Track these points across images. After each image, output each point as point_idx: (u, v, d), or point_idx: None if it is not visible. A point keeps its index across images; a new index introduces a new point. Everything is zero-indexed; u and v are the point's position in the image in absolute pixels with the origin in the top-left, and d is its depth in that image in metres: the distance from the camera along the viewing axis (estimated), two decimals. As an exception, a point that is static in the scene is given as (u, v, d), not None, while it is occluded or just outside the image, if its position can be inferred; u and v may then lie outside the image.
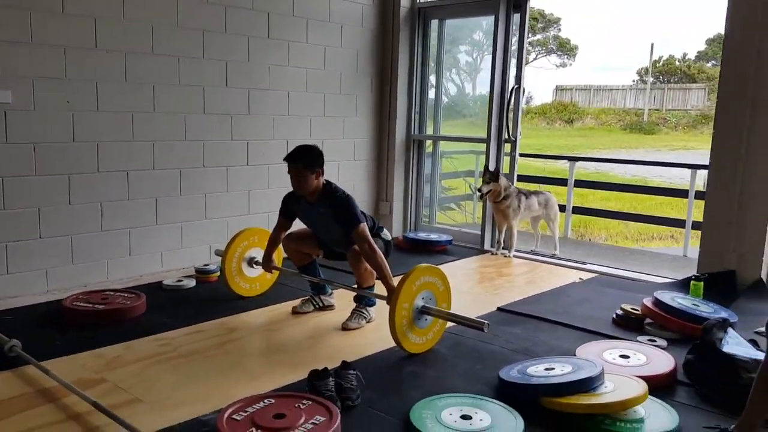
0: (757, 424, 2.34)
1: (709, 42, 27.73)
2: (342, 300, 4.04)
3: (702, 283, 4.09)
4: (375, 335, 3.57)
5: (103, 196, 4.38)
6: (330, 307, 4.04)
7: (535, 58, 29.75)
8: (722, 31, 4.40)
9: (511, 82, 5.61)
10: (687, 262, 5.84)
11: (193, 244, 4.90)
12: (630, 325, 3.76)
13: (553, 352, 3.35)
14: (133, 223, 4.55)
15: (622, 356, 3.16)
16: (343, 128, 5.90)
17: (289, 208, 3.92)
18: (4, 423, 2.51)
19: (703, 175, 6.14)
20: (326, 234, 3.86)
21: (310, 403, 2.54)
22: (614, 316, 3.89)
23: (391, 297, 3.25)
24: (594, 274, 5.04)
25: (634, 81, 29.42)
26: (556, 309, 4.10)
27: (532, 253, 5.75)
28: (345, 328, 3.68)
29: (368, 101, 6.12)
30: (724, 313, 3.61)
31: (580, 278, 4.93)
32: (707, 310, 3.69)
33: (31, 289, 4.11)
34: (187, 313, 3.84)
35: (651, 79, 27.31)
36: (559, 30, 29.63)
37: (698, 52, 28.72)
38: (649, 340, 3.52)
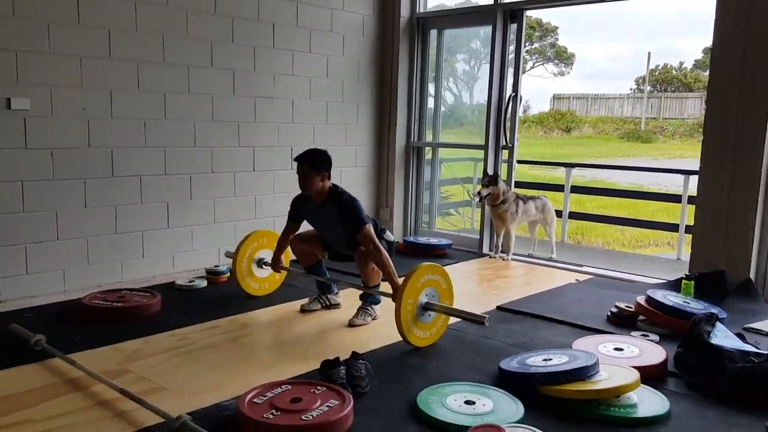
0: None
1: (706, 51, 27.95)
2: (348, 299, 4.21)
3: (693, 282, 4.26)
4: (380, 331, 3.74)
5: (118, 200, 4.55)
6: (336, 306, 4.21)
7: (533, 67, 30.00)
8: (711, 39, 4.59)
9: (509, 91, 5.79)
10: (680, 265, 6.00)
11: (202, 246, 5.07)
12: (624, 322, 3.93)
13: (550, 346, 3.52)
14: (146, 226, 4.72)
15: (617, 349, 3.33)
16: (345, 135, 6.08)
17: (297, 211, 4.09)
18: (38, 408, 2.68)
19: (696, 180, 6.31)
20: (331, 235, 4.03)
21: (324, 389, 2.71)
22: (609, 313, 4.06)
23: (397, 294, 3.43)
24: (589, 276, 5.22)
25: (631, 90, 29.65)
26: (553, 307, 4.27)
27: (529, 256, 5.92)
28: (351, 324, 3.85)
29: (369, 109, 6.31)
30: (713, 310, 3.78)
31: (576, 279, 5.10)
32: (697, 307, 3.86)
33: (49, 289, 4.27)
34: (200, 311, 4.01)
35: (648, 88, 27.55)
36: (557, 38, 29.88)
37: (695, 60, 28.95)
38: (641, 335, 3.69)
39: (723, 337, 3.27)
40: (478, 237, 6.11)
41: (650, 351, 3.32)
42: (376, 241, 3.73)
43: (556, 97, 29.14)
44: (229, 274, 4.77)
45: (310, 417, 2.48)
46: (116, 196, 4.54)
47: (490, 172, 5.71)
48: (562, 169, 8.40)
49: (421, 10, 6.30)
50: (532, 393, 2.83)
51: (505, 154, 5.92)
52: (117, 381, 2.87)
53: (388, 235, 4.07)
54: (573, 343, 3.46)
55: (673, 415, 2.73)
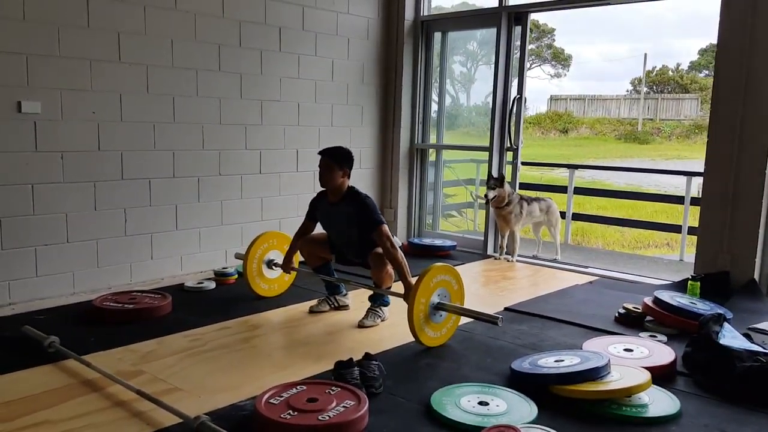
0: None
1: (702, 52, 28.06)
2: (357, 300, 4.24)
3: (699, 282, 4.30)
4: (390, 332, 3.77)
5: (127, 202, 4.58)
6: (345, 307, 4.24)
7: (530, 68, 30.00)
8: (714, 41, 4.63)
9: (513, 93, 5.83)
10: (683, 266, 6.05)
11: (210, 248, 5.09)
12: (631, 323, 3.97)
13: (559, 346, 3.55)
14: (155, 228, 4.75)
15: (626, 350, 3.37)
16: (349, 138, 6.11)
17: (313, 210, 4.15)
18: (55, 409, 2.70)
19: (697, 182, 6.36)
20: (341, 237, 4.06)
21: (339, 389, 2.74)
22: (616, 314, 4.10)
23: (410, 293, 3.46)
24: (595, 277, 5.25)
25: (628, 91, 29.72)
26: (561, 308, 4.31)
27: (534, 258, 5.95)
28: (361, 325, 3.88)
29: (373, 111, 6.34)
30: (719, 311, 3.82)
31: (590, 282, 5.15)
32: (704, 307, 3.90)
33: (59, 291, 4.29)
34: (211, 312, 4.04)
35: (645, 89, 27.63)
36: (553, 40, 29.95)
37: (691, 62, 29.05)
38: (650, 335, 3.73)
39: (731, 337, 3.31)
40: (482, 238, 6.15)
41: (659, 351, 3.36)
42: (393, 239, 3.78)
43: (554, 99, 29.20)
44: (237, 276, 4.80)
45: (327, 417, 2.50)
46: (125, 198, 4.57)
47: (495, 174, 5.75)
48: (559, 169, 8.44)
49: (425, 13, 6.34)
50: (545, 393, 2.86)
51: (509, 156, 5.95)
52: (132, 382, 2.89)
53: (396, 241, 4.10)
54: (583, 344, 3.50)
55: (684, 414, 2.77)
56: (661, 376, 3.08)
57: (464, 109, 7.36)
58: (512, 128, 5.85)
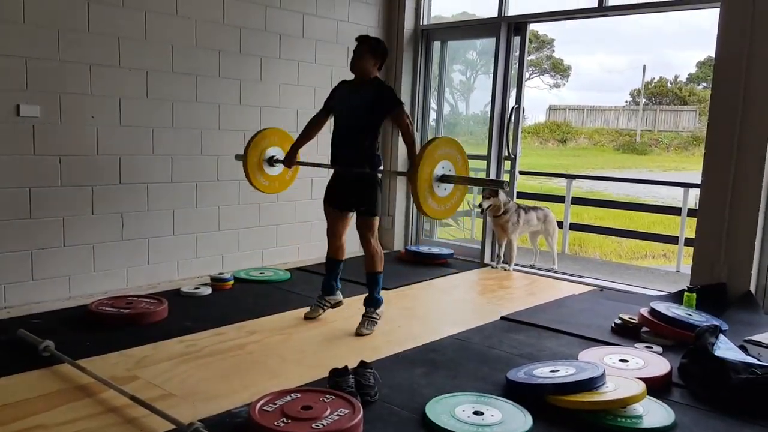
0: None
1: (700, 65, 28.16)
2: (353, 306, 4.24)
3: (695, 294, 4.30)
4: (386, 339, 3.77)
5: (124, 207, 4.57)
6: (338, 304, 4.26)
7: (529, 78, 30.13)
8: (713, 54, 4.65)
9: (511, 102, 5.85)
10: (679, 277, 6.06)
11: (206, 253, 5.09)
12: (627, 333, 3.97)
13: (555, 356, 3.55)
14: (152, 233, 4.74)
15: (622, 360, 3.37)
16: (348, 145, 6.10)
17: (331, 98, 4.17)
18: (48, 414, 2.69)
19: (695, 193, 6.37)
20: (351, 124, 3.99)
21: (333, 397, 2.73)
22: (612, 325, 4.10)
23: (414, 161, 3.50)
24: (592, 287, 5.25)
25: (626, 102, 29.82)
26: (557, 318, 4.30)
27: (531, 267, 5.95)
28: (358, 334, 3.87)
29: (373, 119, 6.33)
30: (715, 322, 3.82)
31: (601, 288, 5.19)
32: (700, 319, 3.90)
33: (55, 295, 4.29)
34: (207, 318, 4.03)
35: (643, 101, 27.71)
36: (553, 50, 30.05)
37: (689, 74, 29.15)
38: (645, 346, 3.73)
39: (726, 349, 3.31)
40: (479, 247, 6.15)
41: (655, 362, 3.36)
42: (410, 120, 3.89)
43: (552, 109, 29.28)
44: (233, 282, 4.79)
45: (322, 425, 2.50)
46: (123, 203, 4.56)
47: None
48: (557, 179, 8.45)
49: (425, 22, 6.36)
50: (540, 404, 2.86)
51: (506, 165, 5.96)
52: (126, 387, 2.88)
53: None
54: (579, 354, 3.50)
55: (679, 426, 2.76)
56: (656, 387, 3.08)
57: (463, 117, 7.37)
58: (510, 137, 5.86)
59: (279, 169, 4.43)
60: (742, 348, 3.47)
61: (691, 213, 6.50)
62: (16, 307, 4.09)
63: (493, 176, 5.90)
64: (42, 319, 3.93)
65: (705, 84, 26.67)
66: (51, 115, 4.17)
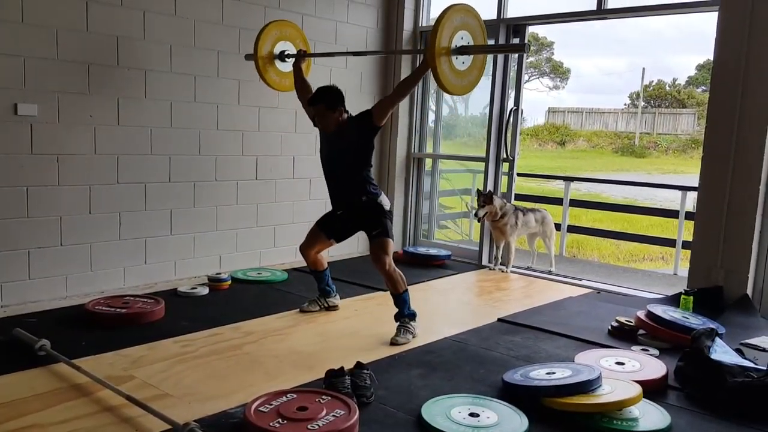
0: None
1: (699, 68, 28.17)
2: (350, 308, 4.25)
3: (692, 297, 4.30)
4: (383, 340, 3.76)
5: (122, 206, 4.57)
6: (334, 308, 4.30)
7: (528, 80, 30.15)
8: (711, 58, 4.65)
9: (510, 104, 5.85)
10: (677, 280, 6.06)
11: (204, 253, 5.09)
12: (624, 336, 3.97)
13: (552, 359, 3.55)
14: (149, 232, 4.74)
15: (618, 363, 3.37)
16: (347, 146, 6.10)
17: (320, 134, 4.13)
18: (43, 414, 2.69)
19: (693, 196, 6.38)
20: (341, 162, 3.99)
21: (329, 398, 2.73)
22: (609, 327, 4.10)
23: (431, 40, 3.47)
24: (589, 290, 5.25)
25: (625, 105, 29.82)
26: (554, 320, 4.30)
27: (528, 269, 5.95)
28: (394, 343, 3.74)
29: (371, 120, 6.33)
30: (712, 325, 3.81)
31: (598, 291, 5.19)
32: (696, 322, 3.90)
33: (51, 294, 4.28)
34: (204, 318, 4.02)
35: (642, 104, 27.73)
36: (552, 53, 30.06)
37: (688, 77, 29.15)
38: (642, 349, 3.73)
39: (722, 352, 3.31)
40: (477, 248, 6.15)
41: (651, 365, 3.36)
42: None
43: (551, 111, 29.28)
44: (230, 282, 4.79)
45: (317, 426, 2.50)
46: (120, 202, 4.56)
47: (485, 190, 5.73)
48: (556, 181, 8.46)
49: (424, 24, 6.36)
50: (536, 406, 2.86)
51: (505, 166, 5.97)
52: (122, 387, 2.88)
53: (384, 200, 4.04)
54: (575, 357, 3.50)
55: (675, 428, 2.76)
56: (652, 389, 3.08)
57: (462, 119, 7.37)
58: (509, 140, 5.87)
59: (290, 65, 4.48)
60: (739, 351, 3.47)
61: (689, 216, 6.50)
62: (13, 306, 4.08)
63: (490, 179, 5.90)
64: (38, 318, 3.93)
65: (704, 87, 26.68)
66: (49, 114, 4.17)
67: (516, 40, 5.81)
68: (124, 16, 4.43)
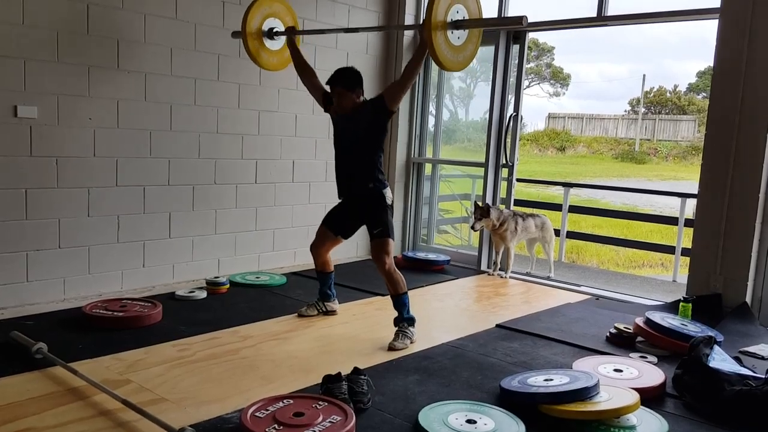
0: None
1: (700, 75, 28.20)
2: (348, 313, 4.23)
3: (690, 304, 4.29)
4: (380, 346, 3.75)
5: (120, 209, 4.56)
6: (332, 312, 4.30)
7: (529, 86, 30.17)
8: (712, 65, 4.65)
9: (509, 110, 5.85)
10: (676, 287, 6.05)
11: (202, 257, 5.08)
12: (623, 343, 3.96)
13: (550, 365, 3.54)
14: (148, 235, 4.73)
15: (616, 370, 3.36)
16: (347, 150, 6.09)
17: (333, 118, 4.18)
18: (38, 417, 2.68)
19: (692, 203, 6.38)
20: (353, 145, 4.01)
21: (326, 404, 2.72)
22: (608, 334, 4.09)
23: (425, 19, 3.45)
24: (588, 296, 5.24)
25: (626, 111, 29.84)
26: (553, 327, 4.30)
27: (527, 275, 5.94)
28: (392, 348, 3.73)
29: (371, 124, 6.33)
30: (710, 333, 3.81)
31: (597, 297, 5.17)
32: (695, 329, 3.90)
33: (49, 297, 4.27)
34: (201, 322, 4.01)
35: (643, 110, 27.74)
36: (553, 59, 30.08)
37: (689, 84, 29.18)
38: (640, 356, 3.72)
39: (721, 360, 3.30)
40: (476, 254, 6.14)
41: (649, 372, 3.35)
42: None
43: (552, 116, 29.29)
44: (228, 286, 4.78)
45: (313, 432, 2.49)
46: (119, 205, 4.56)
47: (482, 203, 5.70)
48: (555, 187, 8.46)
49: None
50: (534, 413, 2.85)
51: (504, 172, 5.96)
52: (118, 391, 2.87)
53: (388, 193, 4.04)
54: (573, 363, 3.49)
55: (673, 438, 2.75)
56: (650, 397, 3.07)
57: (462, 124, 7.37)
58: (508, 145, 5.86)
59: (280, 43, 4.43)
60: (737, 359, 3.46)
61: (689, 223, 6.50)
62: (10, 309, 4.07)
63: (490, 184, 5.90)
64: (35, 320, 3.91)
65: (704, 94, 26.68)
66: (48, 116, 4.17)
67: (516, 47, 5.82)
68: (124, 19, 4.43)
